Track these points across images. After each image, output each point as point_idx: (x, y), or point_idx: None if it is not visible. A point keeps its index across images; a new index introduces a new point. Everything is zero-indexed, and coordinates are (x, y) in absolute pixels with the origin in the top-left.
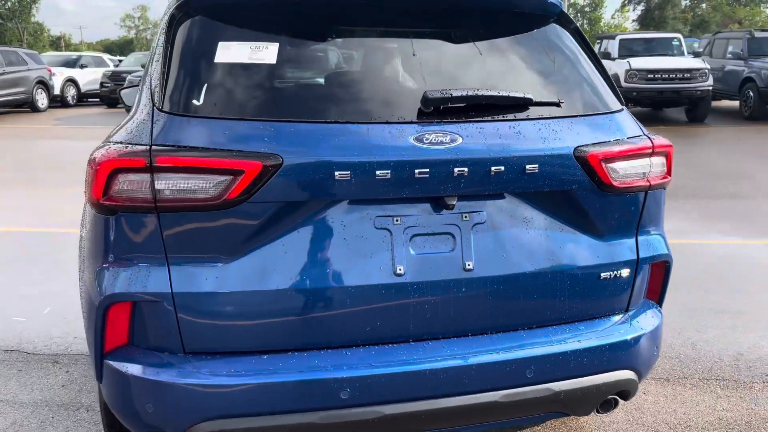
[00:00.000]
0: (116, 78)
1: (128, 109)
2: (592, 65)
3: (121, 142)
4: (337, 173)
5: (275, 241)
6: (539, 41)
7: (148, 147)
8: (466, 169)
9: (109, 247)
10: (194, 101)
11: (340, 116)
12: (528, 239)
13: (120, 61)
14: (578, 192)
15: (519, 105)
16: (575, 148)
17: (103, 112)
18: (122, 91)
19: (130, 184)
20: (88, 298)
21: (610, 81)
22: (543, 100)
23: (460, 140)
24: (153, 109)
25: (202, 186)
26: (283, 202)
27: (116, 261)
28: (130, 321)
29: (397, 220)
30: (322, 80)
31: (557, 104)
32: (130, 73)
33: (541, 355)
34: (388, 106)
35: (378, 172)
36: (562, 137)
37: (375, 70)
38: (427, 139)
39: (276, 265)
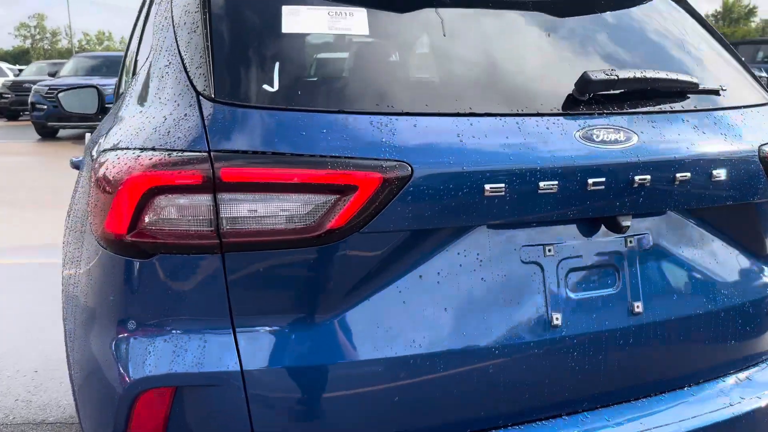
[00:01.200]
0: (17, 88)
1: (70, 116)
2: (731, 52)
3: (152, 148)
4: (487, 187)
5: (388, 287)
6: (677, 23)
7: (206, 153)
8: (648, 177)
9: (135, 306)
10: (265, 87)
11: (478, 106)
12: (701, 268)
13: (20, 70)
14: (761, 205)
15: (684, 92)
16: (759, 147)
17: (2, 126)
18: (61, 95)
19: (179, 211)
20: (96, 381)
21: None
22: (705, 87)
23: (635, 138)
24: (198, 99)
25: (292, 211)
26: (407, 230)
27: (148, 326)
28: (168, 416)
29: (549, 250)
30: (444, 59)
31: (717, 92)
32: (34, 82)
33: (741, 414)
34: (534, 92)
35: (542, 184)
36: (740, 133)
37: (510, 45)
38: (597, 137)
39: (391, 322)
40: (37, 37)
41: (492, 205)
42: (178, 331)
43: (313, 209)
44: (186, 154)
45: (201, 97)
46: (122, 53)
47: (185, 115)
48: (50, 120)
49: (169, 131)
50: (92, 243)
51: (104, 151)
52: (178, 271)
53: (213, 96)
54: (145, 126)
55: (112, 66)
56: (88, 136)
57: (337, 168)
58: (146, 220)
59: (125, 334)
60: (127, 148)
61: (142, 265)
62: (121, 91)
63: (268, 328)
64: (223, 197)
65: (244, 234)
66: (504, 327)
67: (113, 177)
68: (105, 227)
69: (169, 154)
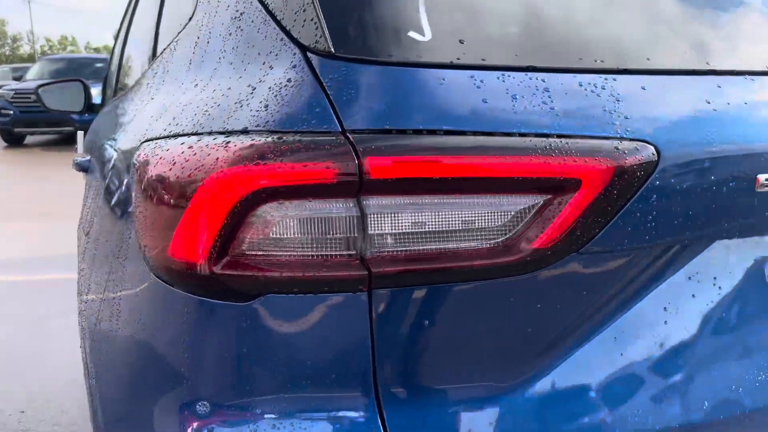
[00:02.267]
0: None
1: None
2: None
3: (243, 131)
4: (762, 178)
5: (602, 332)
6: None
7: (341, 135)
8: None
9: (216, 379)
10: (412, 35)
11: (720, 59)
12: None
13: None
14: None
15: None
16: None
17: None
18: (42, 90)
19: (302, 227)
20: None
21: None
22: None
23: None
24: (305, 56)
25: (477, 223)
26: (644, 247)
27: (234, 411)
28: None
29: None
30: None
31: None
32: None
33: None
34: None
35: None
36: None
37: None
38: None
39: (612, 385)
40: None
41: (758, 206)
42: (289, 405)
43: (511, 219)
44: (306, 137)
45: (309, 53)
46: (90, 56)
47: (288, 80)
48: (17, 126)
49: (266, 104)
50: (140, 273)
51: (152, 140)
52: (293, 320)
53: (331, 50)
54: (218, 101)
55: (80, 69)
56: (80, 134)
57: (547, 153)
58: (246, 241)
59: (195, 425)
60: (199, 133)
61: (235, 313)
62: (124, 82)
63: (432, 399)
64: (371, 203)
65: (404, 260)
66: (754, 381)
67: (181, 177)
68: (169, 254)
69: (279, 138)
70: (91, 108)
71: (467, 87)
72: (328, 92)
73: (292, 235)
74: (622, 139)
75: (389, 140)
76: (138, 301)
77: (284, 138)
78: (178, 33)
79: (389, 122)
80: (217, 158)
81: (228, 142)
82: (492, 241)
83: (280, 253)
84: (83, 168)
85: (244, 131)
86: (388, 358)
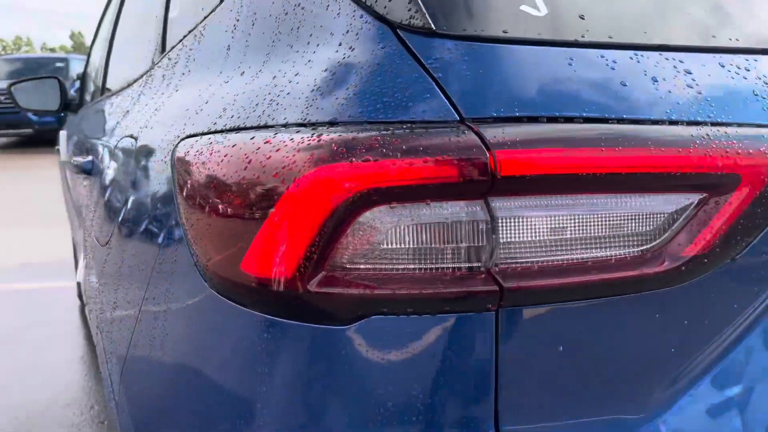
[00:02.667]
0: None
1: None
2: None
3: (331, 123)
4: None
5: (734, 353)
6: None
7: (461, 124)
8: None
9: (305, 407)
10: (525, 8)
11: None
12: None
13: None
14: None
15: None
16: None
17: None
18: (15, 88)
19: (420, 235)
20: None
21: None
22: None
23: None
24: (396, 34)
25: (620, 228)
26: None
27: None
28: None
29: None
30: None
31: None
32: None
33: None
34: None
35: None
36: None
37: None
38: None
39: (746, 411)
40: None
41: None
42: None
43: (662, 223)
44: (419, 128)
45: (401, 31)
46: (48, 55)
47: (378, 63)
48: None
49: (355, 91)
50: (192, 290)
51: (198, 135)
52: (403, 347)
53: (430, 26)
54: (284, 88)
55: (38, 69)
56: (63, 135)
57: (703, 145)
58: (348, 253)
59: None
60: (269, 126)
61: (331, 338)
62: (115, 79)
63: None
64: (503, 204)
65: (540, 272)
66: None
67: (261, 178)
68: (243, 268)
69: (386, 129)
70: (67, 106)
71: (600, 68)
72: (434, 75)
73: (406, 245)
74: None
75: (521, 129)
76: (191, 323)
77: (393, 130)
78: (204, 18)
79: (518, 109)
80: (311, 154)
81: (320, 136)
82: (640, 249)
83: (391, 267)
84: (85, 170)
85: (333, 123)
86: (512, 391)
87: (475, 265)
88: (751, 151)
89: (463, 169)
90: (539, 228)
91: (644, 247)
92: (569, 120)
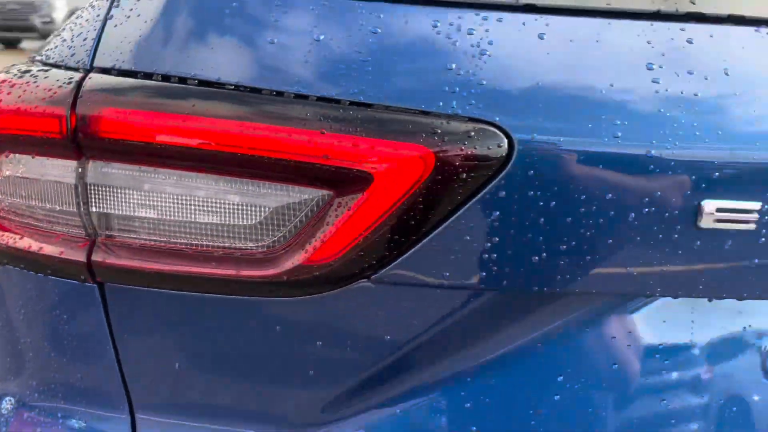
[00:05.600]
0: None
1: None
2: None
3: None
4: (709, 207)
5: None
6: None
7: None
8: None
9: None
10: None
11: None
12: None
13: None
14: None
15: None
16: None
17: None
18: None
19: (21, 187)
20: None
21: None
22: None
23: None
24: None
25: (216, 216)
26: (486, 289)
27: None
28: None
29: None
30: None
31: None
32: None
33: None
34: None
35: None
36: None
37: None
38: None
39: None
40: None
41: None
42: None
43: (265, 219)
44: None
45: None
46: None
47: None
48: None
49: None
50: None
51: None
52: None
53: None
54: None
55: None
56: None
57: (333, 129)
58: None
59: None
60: None
61: None
62: None
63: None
64: (97, 171)
65: (130, 252)
66: None
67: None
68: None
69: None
70: None
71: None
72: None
73: (16, 199)
74: (454, 118)
75: (122, 85)
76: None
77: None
78: None
79: (145, 65)
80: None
81: None
82: (248, 246)
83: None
84: None
85: None
86: (138, 373)
87: (72, 231)
88: (386, 144)
89: (48, 123)
90: (133, 203)
91: (249, 245)
92: (183, 80)
